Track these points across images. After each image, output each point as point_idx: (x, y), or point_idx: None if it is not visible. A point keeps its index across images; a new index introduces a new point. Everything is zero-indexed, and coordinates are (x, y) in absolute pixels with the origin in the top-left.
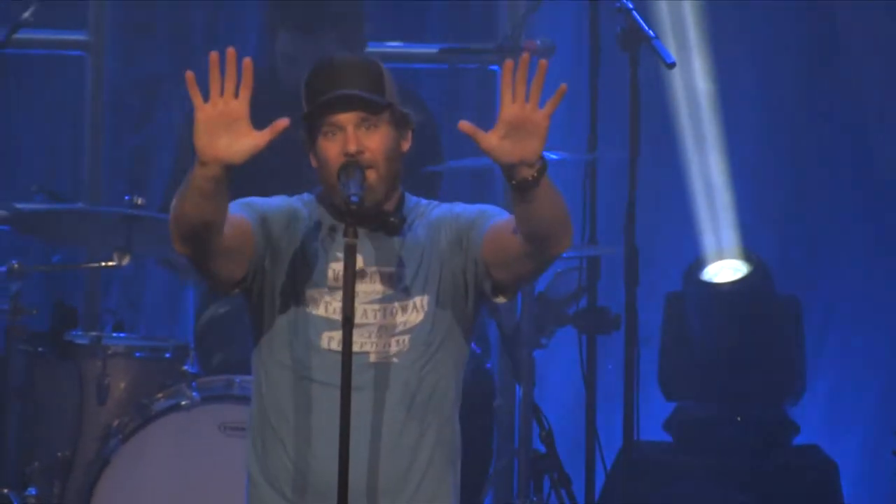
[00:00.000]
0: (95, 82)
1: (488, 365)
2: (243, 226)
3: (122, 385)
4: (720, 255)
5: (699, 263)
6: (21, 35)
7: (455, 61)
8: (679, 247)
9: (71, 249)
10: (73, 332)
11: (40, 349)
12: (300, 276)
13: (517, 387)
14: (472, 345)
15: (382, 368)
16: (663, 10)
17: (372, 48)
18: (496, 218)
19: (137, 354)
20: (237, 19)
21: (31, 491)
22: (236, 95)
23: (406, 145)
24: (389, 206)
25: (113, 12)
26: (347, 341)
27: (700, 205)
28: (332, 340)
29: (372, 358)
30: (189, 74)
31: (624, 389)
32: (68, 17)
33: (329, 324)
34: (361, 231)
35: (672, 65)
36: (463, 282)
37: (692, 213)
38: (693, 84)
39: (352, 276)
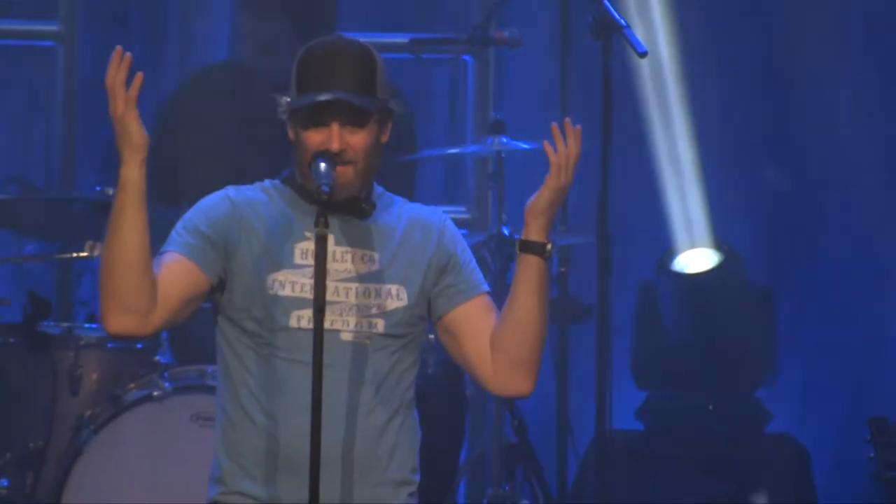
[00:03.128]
0: (67, 73)
1: None
2: (185, 271)
3: (95, 376)
4: (692, 245)
5: (671, 252)
6: None
7: (426, 51)
8: (651, 236)
9: (43, 240)
10: (46, 323)
11: (13, 340)
12: (264, 259)
13: None
14: None
15: (354, 348)
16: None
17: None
18: (481, 298)
19: (110, 345)
20: (210, 8)
21: (4, 482)
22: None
23: (385, 137)
24: (360, 193)
25: (85, 2)
26: (319, 330)
27: (671, 194)
28: (301, 319)
29: (343, 336)
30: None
31: (596, 379)
32: (40, 8)
33: (298, 302)
34: (332, 216)
35: (644, 54)
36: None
37: (664, 202)
38: (661, 73)
39: (323, 265)
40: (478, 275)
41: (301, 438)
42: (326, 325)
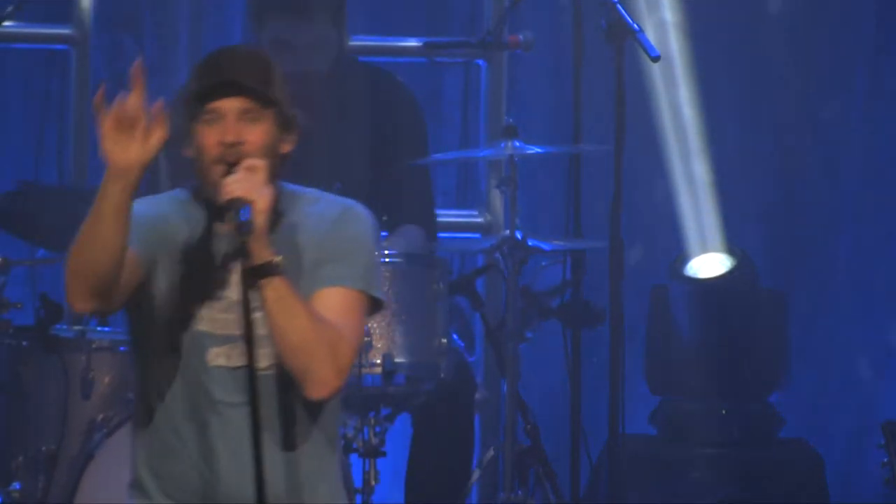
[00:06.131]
0: (80, 76)
1: (472, 359)
2: (134, 260)
3: (107, 379)
4: (705, 249)
5: (684, 257)
6: (5, 29)
7: (439, 55)
8: (664, 240)
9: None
10: (58, 326)
11: (25, 343)
12: (181, 289)
13: (502, 381)
14: (456, 338)
15: (279, 380)
16: (641, 2)
17: (356, 42)
18: (331, 290)
19: (122, 349)
20: (222, 12)
21: (16, 486)
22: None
23: (287, 148)
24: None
25: (98, 6)
26: (255, 421)
27: (684, 198)
28: (219, 356)
29: (268, 371)
30: (95, 100)
31: (609, 383)
32: (53, 12)
33: (214, 339)
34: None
35: (657, 58)
36: None
37: (677, 206)
38: (673, 77)
39: (250, 330)
40: (352, 269)
41: (234, 479)
42: (241, 361)
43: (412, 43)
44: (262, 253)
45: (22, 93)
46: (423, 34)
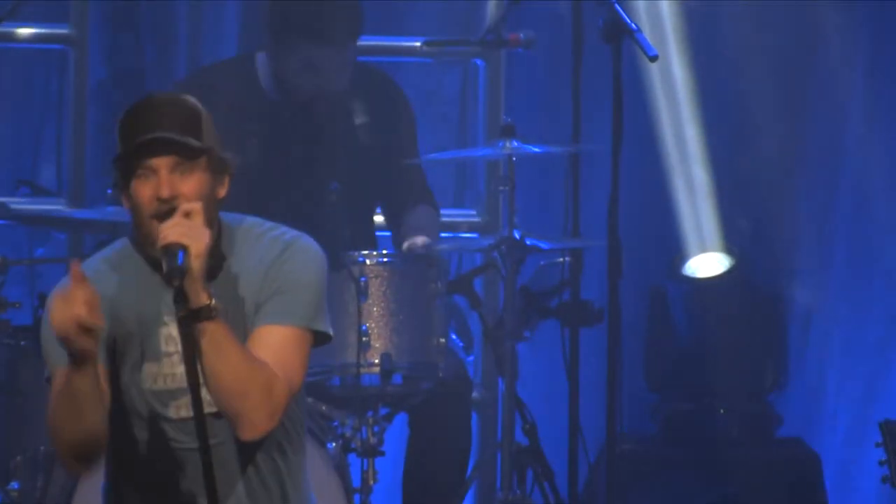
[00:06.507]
0: (78, 76)
1: (470, 358)
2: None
3: None
4: (703, 249)
5: (682, 257)
6: (3, 29)
7: (438, 55)
8: (662, 240)
9: (54, 243)
10: None
11: (23, 343)
12: (132, 349)
13: (500, 380)
14: (454, 337)
15: (225, 424)
16: (640, 5)
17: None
18: (269, 329)
19: None
20: (220, 13)
21: (14, 485)
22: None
23: (223, 191)
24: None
25: (95, 6)
26: (210, 477)
27: (682, 198)
28: (180, 409)
29: (219, 416)
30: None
31: (607, 382)
32: (51, 12)
33: (171, 394)
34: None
35: (655, 58)
36: None
37: (675, 206)
38: (671, 76)
39: (195, 376)
40: (291, 305)
41: None
42: (206, 408)
43: (412, 42)
44: (198, 297)
45: (20, 92)
46: (423, 33)
